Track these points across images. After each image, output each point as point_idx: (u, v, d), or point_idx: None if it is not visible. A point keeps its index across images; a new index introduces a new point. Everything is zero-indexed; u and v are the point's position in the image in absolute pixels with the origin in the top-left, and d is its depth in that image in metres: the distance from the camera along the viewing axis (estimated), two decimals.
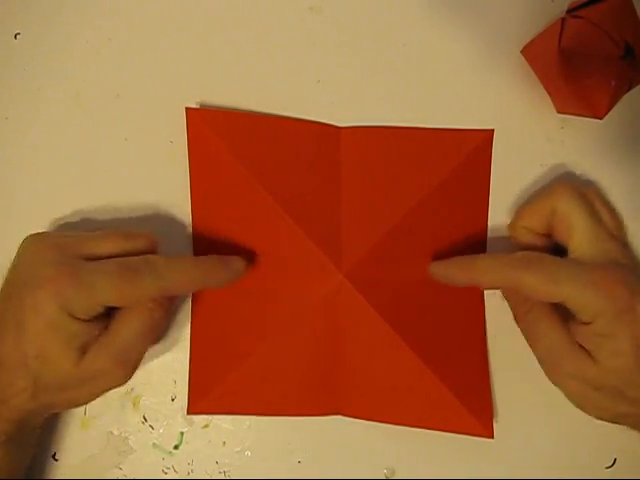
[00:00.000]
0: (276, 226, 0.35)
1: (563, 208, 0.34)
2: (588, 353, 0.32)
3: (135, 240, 0.33)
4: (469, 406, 0.35)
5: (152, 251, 0.33)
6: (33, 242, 0.33)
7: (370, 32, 0.38)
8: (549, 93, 0.37)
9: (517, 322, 0.35)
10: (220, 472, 0.37)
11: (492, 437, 0.35)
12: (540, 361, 0.33)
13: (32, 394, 0.30)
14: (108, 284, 0.30)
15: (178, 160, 0.37)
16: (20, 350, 0.30)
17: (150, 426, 0.37)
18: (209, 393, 0.35)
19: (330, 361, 0.35)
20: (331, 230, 0.35)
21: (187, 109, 0.36)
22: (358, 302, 0.34)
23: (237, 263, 0.34)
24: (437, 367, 0.35)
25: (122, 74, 0.38)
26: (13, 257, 0.33)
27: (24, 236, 0.35)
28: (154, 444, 0.37)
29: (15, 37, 0.38)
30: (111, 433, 0.37)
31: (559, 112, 0.37)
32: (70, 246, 0.31)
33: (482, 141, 0.37)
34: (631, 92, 0.35)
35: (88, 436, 0.37)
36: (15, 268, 0.32)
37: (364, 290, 0.34)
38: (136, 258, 0.31)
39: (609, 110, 0.35)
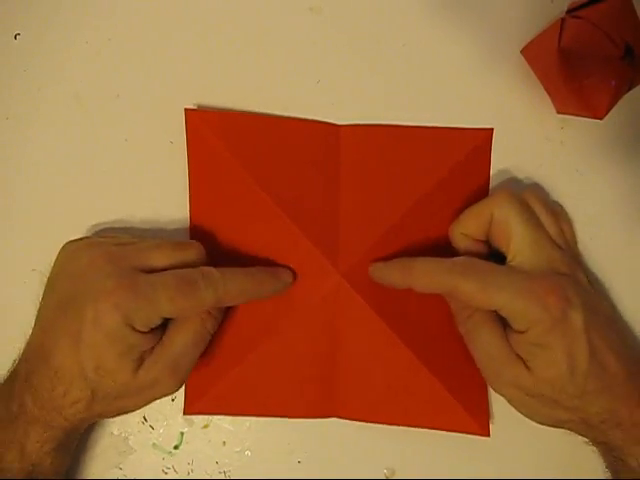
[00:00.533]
0: (274, 226, 0.35)
1: (500, 214, 0.33)
2: (524, 362, 0.32)
3: (185, 251, 0.33)
4: (465, 404, 0.35)
5: (202, 262, 0.33)
6: (81, 250, 0.33)
7: (370, 32, 0.38)
8: (549, 93, 0.37)
9: (458, 327, 0.34)
10: (220, 472, 0.37)
11: (488, 435, 0.35)
12: (480, 367, 0.33)
13: (87, 404, 0.31)
14: (168, 297, 0.31)
15: (178, 160, 0.37)
16: (78, 362, 0.30)
17: (150, 426, 0.37)
18: (206, 394, 0.36)
19: (327, 362, 0.35)
20: (329, 230, 0.35)
21: (186, 110, 0.36)
22: (356, 302, 0.34)
23: (285, 274, 0.35)
24: (434, 366, 0.35)
25: (122, 74, 0.38)
26: (52, 261, 0.34)
27: (24, 234, 0.35)
28: (154, 444, 0.37)
29: (15, 37, 0.38)
30: (111, 433, 0.37)
31: (559, 112, 0.37)
32: (125, 258, 0.32)
33: (481, 140, 0.37)
34: (631, 92, 0.35)
35: (88, 436, 0.37)
36: (66, 277, 0.32)
37: (362, 290, 0.34)
38: (192, 270, 0.32)
39: (609, 110, 0.35)
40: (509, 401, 0.33)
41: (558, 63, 0.35)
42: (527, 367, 0.32)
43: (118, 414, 0.33)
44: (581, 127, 0.38)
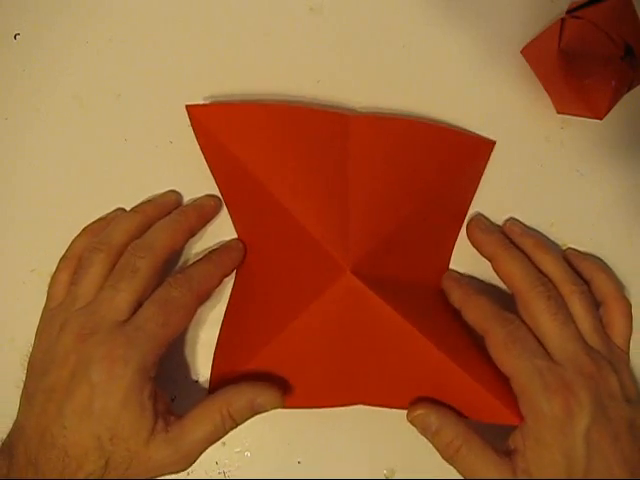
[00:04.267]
0: (281, 223, 0.34)
1: (527, 301, 0.34)
2: (525, 473, 0.31)
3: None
4: (493, 392, 0.33)
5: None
6: (57, 330, 0.32)
7: (370, 32, 0.38)
8: (549, 93, 0.37)
9: (447, 460, 0.33)
10: (220, 472, 0.37)
11: (522, 421, 0.32)
12: None
13: (99, 476, 0.30)
14: (160, 325, 0.32)
15: (178, 160, 0.37)
16: (92, 435, 0.30)
17: None
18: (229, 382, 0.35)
19: (346, 354, 0.34)
20: (338, 224, 0.33)
21: (187, 106, 0.35)
22: (367, 296, 0.33)
23: (235, 243, 0.37)
24: (454, 354, 0.33)
25: (122, 74, 0.38)
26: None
27: (23, 234, 0.35)
28: None
29: (15, 37, 0.38)
30: None
31: (559, 112, 0.37)
32: (101, 321, 0.31)
33: (482, 150, 0.37)
34: (631, 92, 0.35)
35: None
36: (52, 360, 0.32)
37: (373, 284, 0.33)
38: (160, 288, 0.33)
39: (609, 110, 0.35)
40: None
41: (558, 63, 0.35)
42: (529, 476, 0.31)
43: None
44: (581, 127, 0.38)
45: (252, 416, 0.33)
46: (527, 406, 0.32)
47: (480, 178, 0.37)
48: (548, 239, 0.38)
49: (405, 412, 0.34)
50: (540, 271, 0.35)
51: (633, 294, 0.37)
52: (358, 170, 0.34)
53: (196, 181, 0.37)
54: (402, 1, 0.38)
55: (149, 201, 0.37)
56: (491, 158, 0.38)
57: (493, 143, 0.37)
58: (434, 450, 0.35)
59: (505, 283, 0.35)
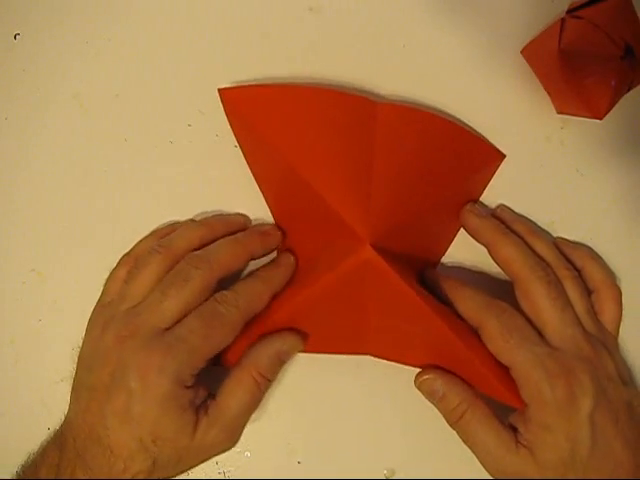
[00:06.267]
0: (307, 199, 0.35)
1: (527, 285, 0.33)
2: (527, 449, 0.31)
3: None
4: (496, 375, 0.33)
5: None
6: (103, 330, 0.32)
7: (370, 32, 0.38)
8: (549, 93, 0.37)
9: (451, 426, 0.34)
10: (220, 472, 0.37)
11: (524, 406, 0.32)
12: (481, 462, 0.33)
13: (148, 474, 0.31)
14: (202, 337, 0.31)
15: (178, 160, 0.37)
16: (135, 438, 0.30)
17: None
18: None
19: (359, 318, 0.35)
20: (360, 202, 0.34)
21: (219, 90, 0.36)
22: (385, 271, 0.33)
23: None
24: (463, 335, 0.33)
25: (122, 74, 0.38)
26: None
27: (23, 234, 0.35)
28: None
29: (15, 37, 0.38)
30: None
31: (559, 112, 0.37)
32: (143, 323, 0.31)
33: (492, 160, 0.38)
34: (631, 92, 0.35)
35: None
36: (98, 358, 0.32)
37: (388, 257, 0.33)
38: (207, 303, 0.32)
39: (609, 110, 0.35)
40: None
41: (558, 63, 0.35)
42: (531, 454, 0.31)
43: (172, 477, 0.33)
44: (581, 127, 0.38)
45: (281, 368, 0.34)
46: (530, 394, 0.31)
47: (485, 186, 0.38)
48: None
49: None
50: None
51: (633, 294, 0.37)
52: (383, 154, 0.35)
53: (196, 181, 0.37)
54: (402, 1, 0.38)
55: (218, 216, 0.37)
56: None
57: (503, 156, 0.38)
58: (434, 450, 0.35)
59: (503, 268, 0.35)
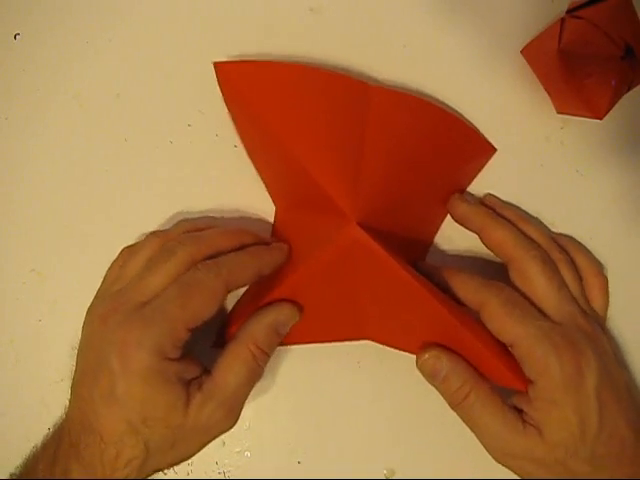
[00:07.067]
0: (298, 177, 0.35)
1: (522, 265, 0.33)
2: (534, 428, 0.31)
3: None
4: (497, 356, 0.32)
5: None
6: (91, 314, 0.32)
7: (370, 32, 0.38)
8: (549, 93, 0.37)
9: (453, 409, 0.33)
10: (220, 472, 0.37)
11: (527, 386, 0.32)
12: (485, 446, 0.32)
13: (142, 461, 0.29)
14: (179, 307, 0.30)
15: (178, 160, 0.37)
16: (122, 419, 0.29)
17: None
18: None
19: (351, 298, 0.34)
20: (349, 182, 0.34)
21: (215, 64, 0.35)
22: (370, 246, 0.33)
23: (279, 246, 0.35)
24: (463, 319, 0.33)
25: (122, 74, 0.38)
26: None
27: (23, 234, 0.35)
28: None
29: (15, 37, 0.38)
30: None
31: (559, 112, 0.37)
32: (127, 301, 0.31)
33: (484, 152, 0.38)
34: (631, 92, 0.35)
35: None
36: (86, 344, 0.31)
37: (375, 236, 0.33)
38: (190, 272, 0.31)
39: (609, 110, 0.35)
40: (519, 474, 0.32)
41: (558, 63, 0.35)
42: (539, 433, 0.31)
43: (172, 464, 0.32)
44: (581, 127, 0.38)
45: (279, 341, 0.33)
46: (536, 368, 0.31)
47: (474, 178, 0.38)
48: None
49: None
50: None
51: (633, 293, 0.37)
52: (374, 136, 0.35)
53: (196, 181, 0.37)
54: (402, 1, 0.38)
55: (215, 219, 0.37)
56: (492, 157, 0.38)
57: (494, 150, 0.38)
58: (434, 450, 0.35)
59: (496, 252, 0.35)
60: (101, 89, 0.38)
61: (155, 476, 0.36)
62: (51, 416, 0.35)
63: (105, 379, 0.29)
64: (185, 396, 0.29)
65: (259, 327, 0.32)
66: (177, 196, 0.37)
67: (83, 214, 0.37)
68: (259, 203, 0.37)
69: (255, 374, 0.32)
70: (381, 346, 0.36)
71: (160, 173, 0.37)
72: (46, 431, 0.35)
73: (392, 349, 0.35)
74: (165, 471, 0.36)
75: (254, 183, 0.37)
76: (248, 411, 0.37)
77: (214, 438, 0.31)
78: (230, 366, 0.31)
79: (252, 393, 0.35)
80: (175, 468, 0.37)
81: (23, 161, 0.37)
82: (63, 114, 0.37)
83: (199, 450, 0.32)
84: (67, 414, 0.32)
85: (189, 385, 0.30)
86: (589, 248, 0.37)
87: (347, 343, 0.36)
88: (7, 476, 0.33)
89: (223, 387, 0.31)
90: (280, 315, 0.33)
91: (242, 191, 0.37)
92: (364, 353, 0.37)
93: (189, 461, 0.36)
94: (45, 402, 0.36)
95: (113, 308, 0.30)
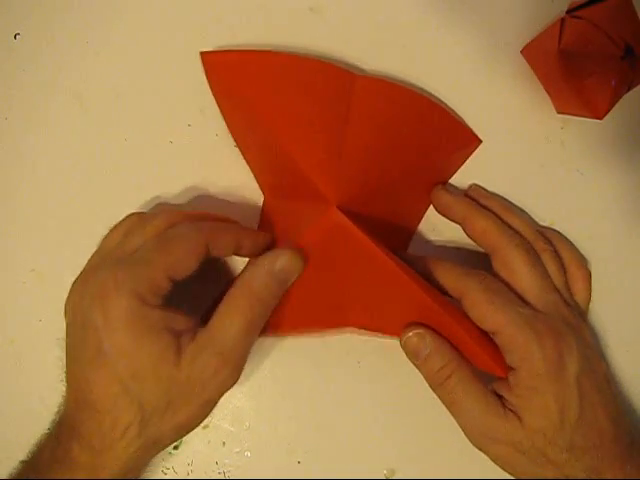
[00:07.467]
0: (282, 163, 0.35)
1: (506, 254, 0.33)
2: (514, 414, 0.31)
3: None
4: (478, 342, 0.32)
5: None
6: (75, 289, 0.31)
7: (370, 32, 0.38)
8: (549, 93, 0.37)
9: (434, 390, 0.33)
10: (220, 472, 0.37)
11: (507, 374, 0.32)
12: (464, 429, 0.32)
13: (140, 425, 0.28)
14: (157, 250, 0.29)
15: (178, 160, 0.37)
16: (113, 378, 0.28)
17: None
18: None
19: (334, 284, 0.34)
20: (331, 167, 0.34)
21: (201, 53, 0.36)
22: (351, 230, 0.33)
23: (263, 236, 0.34)
24: (444, 304, 0.33)
25: (122, 74, 0.38)
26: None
27: (23, 234, 0.35)
28: None
29: (15, 37, 0.38)
30: None
31: (559, 112, 0.37)
32: (109, 256, 0.30)
33: (469, 143, 0.38)
34: (631, 92, 0.35)
35: None
36: (70, 318, 0.31)
37: (356, 221, 0.33)
38: (172, 228, 0.31)
39: (609, 110, 0.35)
40: (494, 460, 0.32)
41: (558, 63, 0.35)
42: (518, 418, 0.31)
43: (178, 434, 0.30)
44: (581, 127, 0.38)
45: (280, 290, 0.31)
46: (517, 356, 0.31)
47: (457, 169, 0.38)
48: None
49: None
50: None
51: (633, 293, 0.37)
52: (357, 123, 0.35)
53: (196, 181, 0.37)
54: (402, 1, 0.38)
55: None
56: (491, 158, 0.38)
57: (480, 141, 0.38)
58: (434, 450, 0.35)
59: (479, 241, 0.35)
60: (101, 89, 0.38)
61: (155, 476, 0.36)
62: (51, 416, 0.35)
63: (91, 338, 0.28)
64: (175, 346, 0.28)
65: (255, 274, 0.31)
66: (177, 196, 0.37)
67: (83, 214, 0.37)
68: (258, 203, 0.37)
69: (253, 325, 0.30)
70: (381, 346, 0.36)
71: (160, 173, 0.37)
72: (46, 431, 0.35)
73: (392, 349, 0.35)
74: (165, 471, 0.37)
75: (254, 183, 0.37)
76: (248, 411, 0.37)
77: (215, 397, 0.30)
78: (225, 315, 0.30)
79: (252, 393, 0.35)
80: (175, 468, 0.37)
81: (23, 161, 0.37)
82: (63, 114, 0.37)
83: (200, 415, 0.30)
84: (64, 399, 0.31)
85: (180, 336, 0.29)
86: (589, 248, 0.37)
87: (347, 343, 0.37)
88: (7, 476, 0.33)
89: (218, 337, 0.29)
90: (278, 260, 0.31)
91: (242, 191, 0.37)
92: (364, 353, 0.37)
93: (189, 461, 0.36)
94: (45, 402, 0.36)
95: (92, 269, 0.30)
